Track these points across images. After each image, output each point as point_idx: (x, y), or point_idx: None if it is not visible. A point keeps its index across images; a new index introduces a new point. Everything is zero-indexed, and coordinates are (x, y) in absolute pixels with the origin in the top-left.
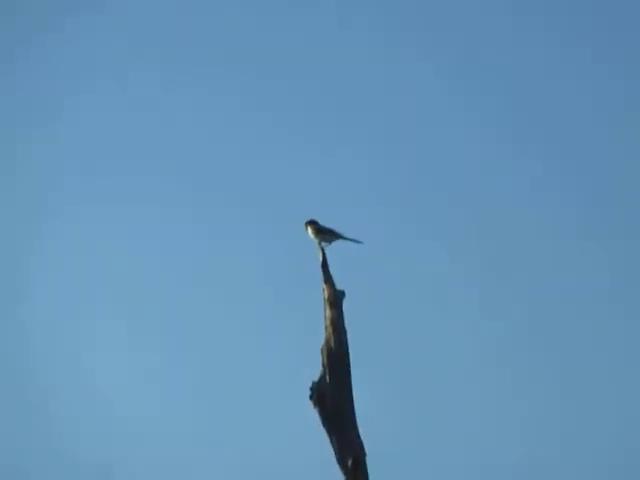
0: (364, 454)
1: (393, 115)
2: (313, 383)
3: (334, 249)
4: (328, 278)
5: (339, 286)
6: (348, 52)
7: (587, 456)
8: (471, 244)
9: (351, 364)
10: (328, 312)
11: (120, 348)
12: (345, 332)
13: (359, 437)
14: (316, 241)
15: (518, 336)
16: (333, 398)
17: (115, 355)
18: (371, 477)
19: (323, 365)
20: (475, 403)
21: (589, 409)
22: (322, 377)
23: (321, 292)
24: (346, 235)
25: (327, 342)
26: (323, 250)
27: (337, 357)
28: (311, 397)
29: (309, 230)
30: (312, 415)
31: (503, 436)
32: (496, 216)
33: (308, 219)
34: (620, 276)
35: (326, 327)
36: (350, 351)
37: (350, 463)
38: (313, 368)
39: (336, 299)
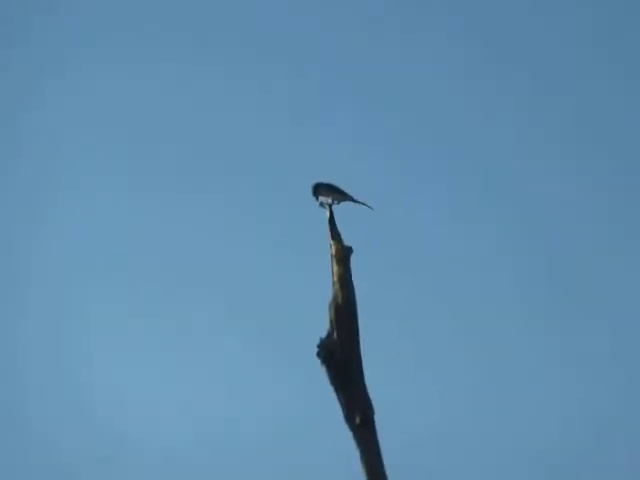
0: (372, 411)
1: None
2: (321, 340)
3: (341, 210)
4: (335, 234)
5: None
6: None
7: None
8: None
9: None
10: (335, 268)
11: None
12: (353, 288)
13: (367, 394)
14: (324, 199)
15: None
16: (341, 355)
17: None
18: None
19: (331, 322)
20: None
21: None
22: (330, 334)
23: (328, 248)
24: (357, 198)
25: (334, 298)
26: (330, 207)
27: (345, 314)
28: (319, 354)
29: (319, 190)
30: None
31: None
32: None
33: (316, 182)
34: None
35: (333, 283)
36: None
37: (358, 420)
38: (321, 325)
39: (343, 255)
